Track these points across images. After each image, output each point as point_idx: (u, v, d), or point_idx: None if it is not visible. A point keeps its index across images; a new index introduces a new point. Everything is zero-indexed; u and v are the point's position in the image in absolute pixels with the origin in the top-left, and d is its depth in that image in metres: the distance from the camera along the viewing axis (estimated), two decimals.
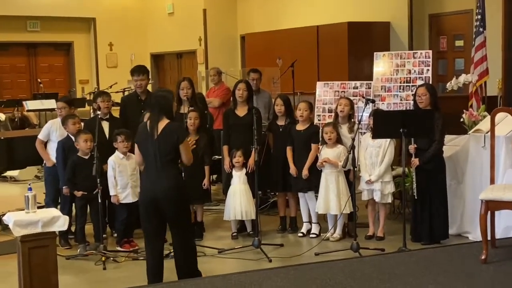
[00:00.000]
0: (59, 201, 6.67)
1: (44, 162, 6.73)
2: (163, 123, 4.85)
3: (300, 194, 6.70)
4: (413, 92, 6.57)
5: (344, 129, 6.56)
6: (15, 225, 4.44)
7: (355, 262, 5.42)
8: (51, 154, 6.63)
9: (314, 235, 6.59)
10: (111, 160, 6.24)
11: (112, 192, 6.23)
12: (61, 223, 4.56)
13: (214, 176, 8.77)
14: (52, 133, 6.67)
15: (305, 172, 6.49)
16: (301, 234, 6.68)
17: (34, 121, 11.97)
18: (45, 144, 6.72)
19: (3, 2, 14.19)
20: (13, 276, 4.97)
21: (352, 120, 6.62)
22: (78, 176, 6.23)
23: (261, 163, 6.40)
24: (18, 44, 15.31)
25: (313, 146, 6.54)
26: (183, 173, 5.30)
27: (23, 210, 4.67)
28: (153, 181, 4.84)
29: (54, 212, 4.76)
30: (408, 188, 6.33)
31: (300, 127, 6.64)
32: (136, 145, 5.04)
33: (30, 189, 4.65)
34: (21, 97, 13.37)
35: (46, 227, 4.49)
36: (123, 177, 6.24)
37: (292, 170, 6.55)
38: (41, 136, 6.73)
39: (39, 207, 4.77)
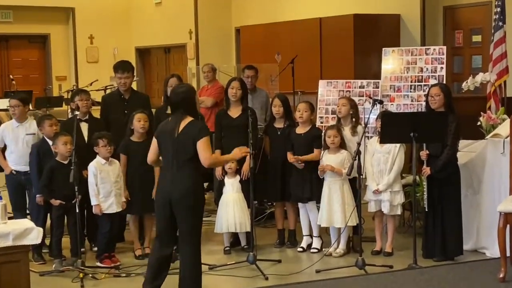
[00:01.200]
0: (26, 211, 6.69)
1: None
2: (185, 121, 4.99)
3: (300, 205, 6.70)
4: (425, 92, 6.58)
5: (346, 131, 6.56)
6: None
7: (361, 280, 5.43)
8: (9, 160, 6.61)
9: (315, 250, 6.59)
10: (92, 166, 6.23)
11: (94, 202, 6.22)
12: (35, 235, 4.55)
13: (205, 184, 8.77)
14: (5, 137, 6.63)
15: (299, 158, 6.48)
16: (300, 249, 6.68)
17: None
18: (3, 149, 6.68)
19: None
20: None
21: (353, 120, 6.62)
22: (55, 183, 6.20)
23: (257, 169, 6.40)
24: None
25: (315, 151, 6.54)
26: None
27: None
28: (170, 182, 4.97)
29: (27, 223, 4.75)
30: (419, 198, 6.34)
31: (300, 130, 6.64)
32: (153, 141, 5.13)
33: (0, 198, 4.64)
34: None
35: (18, 240, 4.47)
36: (105, 185, 6.23)
37: (296, 158, 6.51)
38: None
39: (9, 218, 4.77)
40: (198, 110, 5.25)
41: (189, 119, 5.00)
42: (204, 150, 4.93)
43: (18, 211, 6.54)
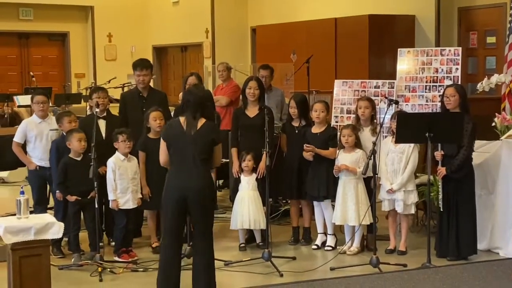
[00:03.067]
0: (47, 205, 6.71)
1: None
2: (200, 122, 5.02)
3: (315, 203, 6.69)
4: (440, 93, 6.55)
5: (366, 131, 6.55)
6: (6, 231, 4.46)
7: (375, 279, 5.41)
8: (32, 156, 6.63)
9: (329, 248, 6.59)
10: (111, 161, 6.26)
11: (111, 197, 6.25)
12: (56, 230, 4.58)
13: (221, 182, 8.78)
14: (29, 133, 6.63)
15: (315, 150, 6.47)
16: (315, 247, 6.68)
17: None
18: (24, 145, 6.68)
19: None
20: (1, 286, 4.99)
21: (375, 121, 6.61)
22: (70, 179, 6.23)
23: (273, 167, 6.40)
24: (9, 34, 15.40)
25: (330, 150, 6.53)
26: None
27: (14, 215, 4.69)
28: (185, 181, 4.97)
29: (48, 218, 4.78)
30: (433, 198, 6.31)
31: (316, 129, 6.63)
32: (162, 143, 5.13)
33: (22, 192, 4.66)
34: (12, 92, 13.45)
35: (39, 235, 4.50)
36: (123, 181, 6.25)
37: (306, 147, 6.50)
38: (16, 138, 6.65)
39: (31, 212, 4.80)
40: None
41: (203, 120, 5.03)
42: (220, 153, 5.15)
43: (40, 206, 6.54)
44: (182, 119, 5.06)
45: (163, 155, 5.16)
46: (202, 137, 4.98)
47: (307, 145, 6.50)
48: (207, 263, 5.04)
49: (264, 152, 6.17)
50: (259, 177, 6.54)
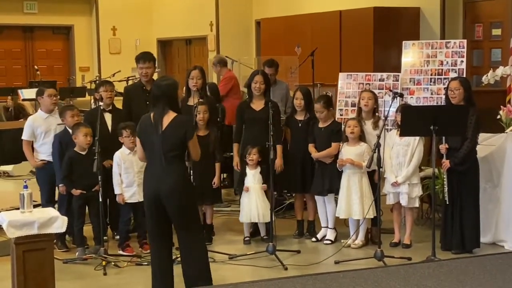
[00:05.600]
0: (56, 200, 6.67)
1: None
2: (169, 116, 4.85)
3: (317, 197, 6.67)
4: (445, 86, 6.52)
5: (368, 125, 6.52)
6: (9, 225, 4.45)
7: (379, 272, 5.39)
8: (40, 152, 6.56)
9: (328, 242, 6.57)
10: (117, 155, 6.25)
11: (117, 191, 6.25)
12: (59, 224, 4.57)
13: (224, 175, 8.74)
14: (36, 129, 6.56)
15: (314, 155, 6.47)
16: (314, 239, 6.66)
17: (30, 111, 12.02)
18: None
19: None
20: (5, 281, 4.99)
21: (377, 114, 6.58)
22: (75, 173, 6.23)
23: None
24: (14, 27, 15.41)
25: (333, 144, 6.51)
26: (191, 171, 5.28)
27: (18, 209, 4.68)
28: (157, 179, 4.86)
29: (52, 212, 4.77)
30: (438, 191, 6.28)
31: (321, 124, 6.61)
32: (138, 139, 5.05)
33: (25, 186, 4.65)
34: (16, 85, 13.47)
35: (43, 229, 4.50)
36: (128, 174, 6.25)
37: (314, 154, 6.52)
38: (25, 136, 6.57)
39: (35, 206, 4.79)
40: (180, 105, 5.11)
41: (172, 114, 4.86)
42: (196, 148, 4.93)
43: (50, 203, 6.44)
44: (152, 114, 4.92)
45: (139, 152, 5.08)
46: (172, 133, 4.81)
47: (313, 152, 6.49)
48: (194, 261, 4.89)
49: (268, 145, 6.14)
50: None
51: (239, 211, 6.72)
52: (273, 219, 6.21)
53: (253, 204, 6.51)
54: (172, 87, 4.97)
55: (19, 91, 11.75)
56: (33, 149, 6.64)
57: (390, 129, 6.80)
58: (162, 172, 4.84)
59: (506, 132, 6.38)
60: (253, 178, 6.57)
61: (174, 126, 4.83)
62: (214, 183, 6.55)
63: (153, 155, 4.90)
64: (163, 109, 4.86)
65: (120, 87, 9.97)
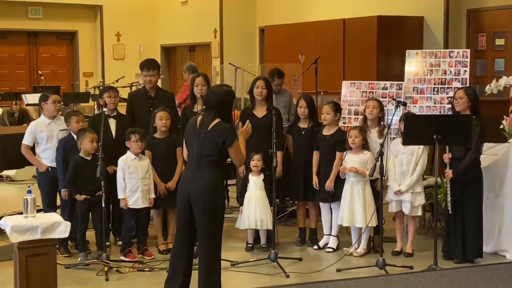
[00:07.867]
0: (57, 205, 6.67)
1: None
2: (214, 122, 4.94)
3: (321, 204, 6.67)
4: (448, 95, 6.53)
5: (373, 133, 6.53)
6: (13, 230, 4.47)
7: (381, 281, 5.39)
8: (42, 157, 6.54)
9: (330, 250, 6.57)
10: (121, 160, 6.27)
11: (120, 196, 6.26)
12: (62, 229, 4.59)
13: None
14: (38, 134, 6.53)
15: (328, 185, 6.48)
16: (316, 247, 6.66)
17: (33, 116, 12.05)
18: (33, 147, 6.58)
19: None
20: (8, 285, 5.00)
21: (382, 123, 6.59)
22: (79, 178, 6.23)
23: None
24: (18, 32, 15.44)
25: (337, 154, 6.51)
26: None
27: (21, 213, 4.69)
28: (190, 180, 4.95)
29: (55, 217, 4.78)
30: (440, 200, 6.28)
31: (326, 131, 6.61)
32: (184, 141, 5.20)
33: (29, 191, 4.67)
34: (20, 90, 13.49)
35: (46, 234, 4.51)
36: (132, 180, 6.25)
37: (315, 181, 6.54)
38: (25, 141, 6.54)
39: (38, 211, 4.80)
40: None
41: (217, 120, 4.94)
42: (237, 154, 4.95)
43: (51, 208, 6.43)
44: (199, 118, 5.05)
45: (184, 153, 5.27)
46: (211, 138, 4.89)
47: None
48: (205, 266, 4.91)
49: (271, 153, 6.14)
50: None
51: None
52: (275, 226, 6.20)
53: (252, 210, 6.51)
54: (227, 96, 5.03)
55: (23, 96, 11.78)
56: (34, 155, 6.62)
57: (394, 138, 6.80)
58: (197, 174, 4.92)
59: (509, 142, 6.37)
60: (255, 185, 6.57)
61: (214, 132, 4.91)
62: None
63: (192, 157, 5.01)
64: (211, 116, 4.95)
65: (124, 93, 10.01)
